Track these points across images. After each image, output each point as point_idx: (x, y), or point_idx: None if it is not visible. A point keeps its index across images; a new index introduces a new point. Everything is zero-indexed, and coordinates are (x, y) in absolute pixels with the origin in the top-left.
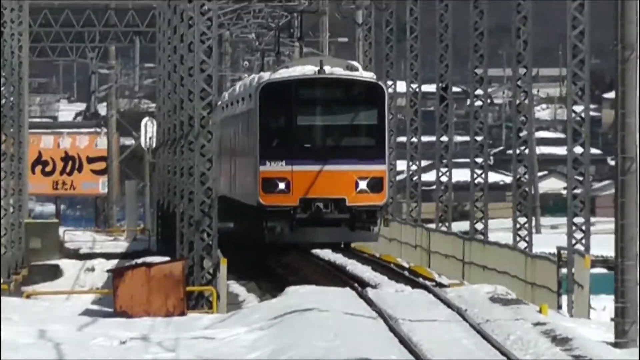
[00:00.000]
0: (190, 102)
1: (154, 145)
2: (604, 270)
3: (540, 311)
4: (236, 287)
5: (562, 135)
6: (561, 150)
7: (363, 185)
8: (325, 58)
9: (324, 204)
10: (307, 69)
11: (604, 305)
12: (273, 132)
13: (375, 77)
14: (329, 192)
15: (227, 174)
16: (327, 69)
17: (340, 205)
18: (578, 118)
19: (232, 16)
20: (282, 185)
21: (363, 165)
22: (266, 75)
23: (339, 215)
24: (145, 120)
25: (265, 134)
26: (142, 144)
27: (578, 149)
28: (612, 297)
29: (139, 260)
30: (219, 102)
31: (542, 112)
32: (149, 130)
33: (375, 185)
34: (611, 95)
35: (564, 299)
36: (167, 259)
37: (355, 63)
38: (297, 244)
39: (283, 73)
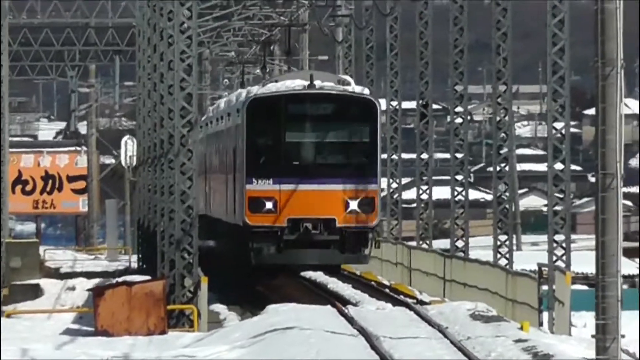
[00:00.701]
0: (171, 120)
1: (134, 163)
2: (584, 287)
3: (521, 328)
4: (217, 306)
5: (542, 152)
6: (542, 167)
7: (354, 205)
8: (316, 72)
9: (313, 224)
10: (296, 84)
11: (585, 322)
12: (260, 148)
13: (367, 92)
14: (319, 213)
15: (211, 193)
16: (317, 83)
17: (330, 226)
18: (558, 135)
19: (212, 34)
20: (269, 205)
21: (354, 185)
22: (254, 90)
23: (329, 236)
24: (125, 138)
25: (252, 150)
26: (123, 163)
27: (558, 166)
28: (593, 313)
29: (120, 279)
30: (204, 118)
31: (523, 129)
32: (129, 148)
33: (367, 205)
34: (591, 111)
35: (545, 315)
36: (147, 277)
37: (347, 77)
38: (285, 266)
39: (271, 87)
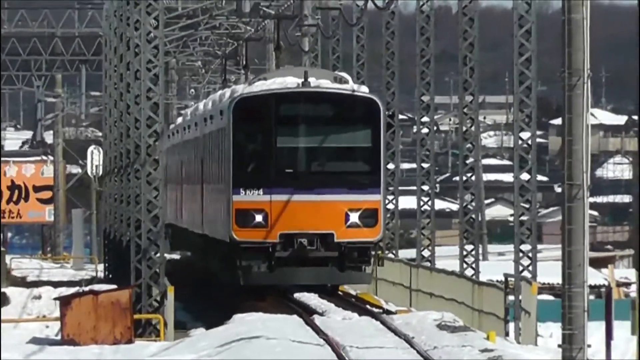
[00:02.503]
0: (137, 130)
1: (100, 173)
2: (550, 297)
3: (487, 338)
4: (183, 315)
5: (508, 162)
6: (508, 177)
7: (354, 218)
8: (311, 69)
9: (308, 240)
10: (288, 81)
11: (551, 332)
12: (249, 155)
13: (367, 90)
14: (315, 226)
15: (191, 204)
16: (312, 81)
17: (328, 241)
18: (525, 145)
19: (178, 44)
20: (259, 218)
21: (355, 195)
22: (240, 89)
23: (326, 253)
24: (91, 148)
25: (239, 157)
26: (89, 172)
27: (525, 176)
28: (559, 324)
29: (86, 288)
30: (179, 122)
31: (489, 139)
32: (95, 158)
33: (369, 218)
34: (558, 121)
35: (511, 325)
36: (114, 286)
37: (345, 75)
38: (277, 287)
39: (260, 86)
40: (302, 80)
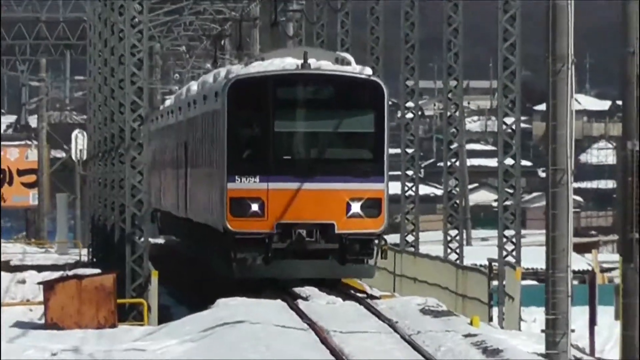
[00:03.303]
0: (121, 115)
1: (84, 157)
2: (534, 282)
3: (471, 323)
4: (167, 299)
5: (492, 148)
6: (492, 162)
7: (356, 207)
8: (310, 49)
9: (307, 230)
10: (287, 63)
11: (535, 317)
12: (244, 140)
13: (370, 72)
14: (314, 216)
15: (182, 189)
16: (312, 62)
17: (328, 232)
18: (509, 130)
19: (162, 29)
20: (255, 207)
21: (357, 184)
22: (236, 70)
23: (326, 244)
24: (75, 132)
25: (234, 142)
26: (73, 157)
27: (509, 161)
28: (542, 309)
29: (70, 272)
30: (168, 103)
31: (473, 124)
32: (79, 142)
33: (372, 208)
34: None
35: (495, 310)
36: (98, 271)
37: (347, 55)
38: (273, 280)
39: (257, 67)
40: (302, 61)
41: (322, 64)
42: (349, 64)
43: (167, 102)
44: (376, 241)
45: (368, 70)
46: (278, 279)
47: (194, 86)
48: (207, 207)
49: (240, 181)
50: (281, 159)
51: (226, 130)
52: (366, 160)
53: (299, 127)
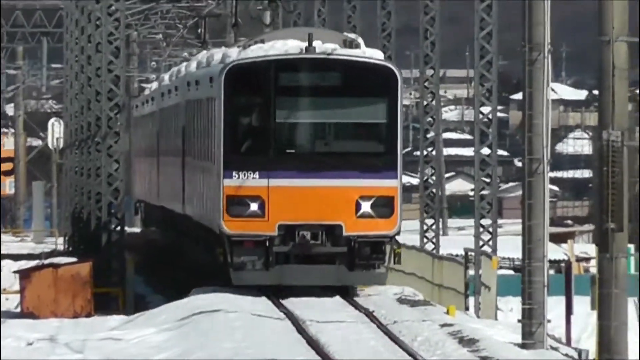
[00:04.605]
0: (98, 103)
1: (61, 145)
2: (510, 272)
3: (447, 312)
4: (143, 288)
5: (469, 137)
6: (468, 152)
7: (366, 206)
8: (315, 30)
9: (312, 232)
10: (290, 46)
11: (511, 306)
12: (243, 131)
13: (381, 55)
14: (319, 217)
15: (170, 181)
16: (317, 45)
17: (335, 234)
18: (485, 119)
19: (139, 17)
20: (254, 206)
21: (367, 180)
22: (233, 53)
23: (333, 248)
24: (52, 120)
25: (231, 134)
26: (50, 145)
27: (485, 150)
28: (519, 298)
29: (46, 261)
30: (154, 86)
31: (450, 114)
32: (56, 130)
33: (384, 207)
34: (518, 96)
35: (471, 300)
36: (74, 259)
37: (356, 37)
38: (275, 287)
39: (257, 50)
40: (306, 44)
41: (329, 47)
42: (358, 46)
43: (153, 85)
44: (388, 244)
45: (379, 54)
46: (280, 285)
47: (182, 68)
48: (202, 205)
49: (238, 177)
50: (283, 152)
51: (222, 120)
52: (377, 154)
53: (303, 117)
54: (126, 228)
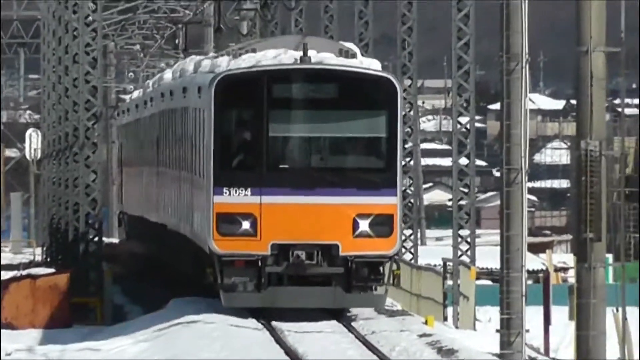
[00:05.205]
0: (75, 113)
1: (39, 156)
2: (489, 282)
3: (425, 322)
4: (121, 299)
5: (447, 147)
6: (446, 162)
7: (364, 225)
8: (310, 38)
9: (306, 252)
10: (283, 55)
11: (490, 316)
12: (234, 146)
13: (378, 65)
14: (315, 236)
15: (155, 193)
16: (312, 54)
17: (331, 254)
18: (463, 129)
19: (116, 27)
20: (246, 225)
21: (365, 197)
22: (223, 63)
23: (329, 268)
24: (29, 131)
25: (222, 148)
26: (27, 155)
27: (463, 160)
28: (497, 308)
29: (24, 272)
30: (135, 95)
31: (427, 124)
32: (33, 141)
33: (382, 225)
34: (496, 106)
35: (450, 310)
36: (52, 270)
37: (352, 46)
38: (268, 310)
39: (248, 60)
40: (301, 54)
41: (324, 57)
42: (354, 56)
43: (134, 94)
44: (387, 264)
45: (376, 64)
46: (273, 307)
47: (167, 74)
48: (191, 221)
49: (229, 194)
50: (276, 167)
51: (212, 134)
52: (376, 170)
53: (297, 131)
54: (104, 238)
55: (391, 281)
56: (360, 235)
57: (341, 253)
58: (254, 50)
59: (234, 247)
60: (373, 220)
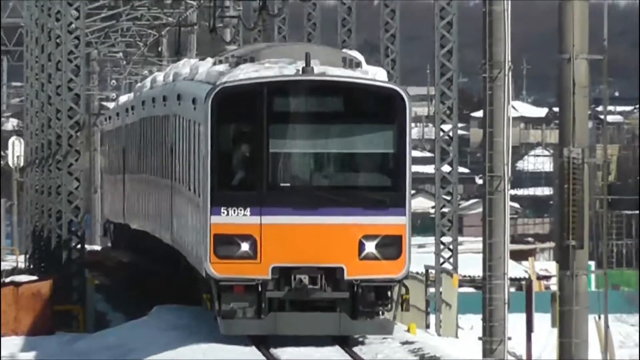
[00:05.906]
0: (58, 121)
1: (21, 164)
2: (471, 290)
3: (408, 330)
4: (104, 306)
5: (430, 154)
6: (429, 169)
7: (371, 247)
8: (313, 48)
9: (309, 276)
10: (284, 66)
11: (472, 324)
12: (232, 163)
13: (385, 75)
14: (318, 258)
15: (145, 204)
16: (315, 65)
17: (336, 278)
18: (446, 137)
19: (99, 35)
20: (245, 247)
21: (372, 217)
22: (219, 71)
23: (334, 293)
24: (12, 139)
25: (219, 165)
26: (10, 163)
27: (446, 168)
28: (479, 316)
29: (7, 279)
30: (123, 99)
31: None
32: (16, 149)
33: (390, 247)
34: (479, 114)
35: (432, 318)
36: (34, 277)
37: (356, 54)
38: (268, 337)
39: (247, 70)
40: (303, 64)
41: (328, 68)
42: (358, 65)
43: (122, 99)
44: (395, 288)
45: (382, 73)
46: (274, 335)
47: (159, 77)
48: (186, 239)
49: (227, 214)
50: (277, 186)
51: (209, 150)
52: (383, 188)
53: (299, 147)
54: (86, 246)
55: (400, 306)
56: (367, 258)
57: (346, 277)
58: (252, 60)
59: (232, 270)
60: (380, 241)
